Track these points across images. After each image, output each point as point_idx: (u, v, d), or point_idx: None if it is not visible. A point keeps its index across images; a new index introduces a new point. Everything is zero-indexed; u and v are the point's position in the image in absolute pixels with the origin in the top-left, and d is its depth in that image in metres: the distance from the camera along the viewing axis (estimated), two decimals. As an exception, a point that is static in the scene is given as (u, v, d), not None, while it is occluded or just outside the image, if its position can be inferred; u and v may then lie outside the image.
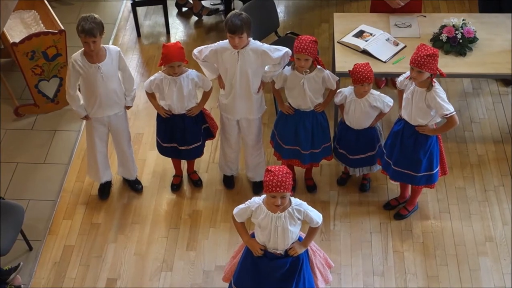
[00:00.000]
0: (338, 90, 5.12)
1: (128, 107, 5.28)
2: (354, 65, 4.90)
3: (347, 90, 5.07)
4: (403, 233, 5.31)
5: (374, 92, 5.03)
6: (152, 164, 5.88)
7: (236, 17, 4.72)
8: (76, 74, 4.91)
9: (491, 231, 5.30)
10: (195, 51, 5.04)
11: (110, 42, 7.13)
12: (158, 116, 5.24)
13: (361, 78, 4.84)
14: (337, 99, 5.14)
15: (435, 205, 5.50)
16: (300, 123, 5.12)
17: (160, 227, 5.40)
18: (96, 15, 4.77)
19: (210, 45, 5.01)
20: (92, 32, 4.70)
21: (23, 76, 6.11)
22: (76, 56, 4.89)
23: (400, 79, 4.96)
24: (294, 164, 5.39)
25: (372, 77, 4.87)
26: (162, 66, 4.97)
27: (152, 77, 5.07)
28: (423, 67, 4.51)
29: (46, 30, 6.08)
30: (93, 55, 4.86)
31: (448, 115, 4.65)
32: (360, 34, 5.76)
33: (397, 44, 5.67)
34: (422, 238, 5.27)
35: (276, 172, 3.90)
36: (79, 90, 5.09)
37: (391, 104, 5.07)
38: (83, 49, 4.88)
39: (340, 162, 5.48)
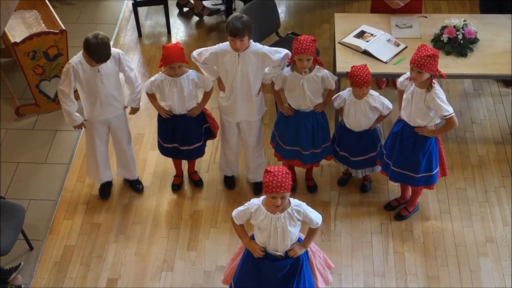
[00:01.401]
0: (336, 94, 5.12)
1: (134, 110, 5.28)
2: (352, 67, 4.89)
3: (346, 93, 5.07)
4: (404, 234, 5.32)
5: (374, 93, 5.03)
6: (153, 164, 5.88)
7: (237, 20, 4.72)
8: (75, 79, 4.91)
9: (491, 232, 5.30)
10: (194, 53, 5.03)
11: (111, 42, 7.12)
12: (159, 116, 5.24)
13: (359, 82, 4.84)
14: (336, 103, 5.14)
15: (436, 206, 5.50)
16: (300, 124, 5.12)
17: (161, 227, 5.40)
18: (103, 35, 4.77)
19: (209, 47, 5.00)
20: (105, 59, 4.80)
21: (24, 76, 6.12)
22: (75, 61, 4.89)
23: (400, 79, 4.96)
24: (295, 164, 5.40)
25: (370, 80, 4.87)
26: (162, 67, 4.97)
27: (152, 78, 5.08)
28: (423, 68, 4.51)
29: (47, 30, 6.08)
30: None
31: (447, 116, 4.65)
32: (361, 35, 5.76)
33: (398, 45, 5.67)
34: (422, 239, 5.27)
35: (276, 173, 3.90)
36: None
37: (391, 107, 5.07)
38: (81, 52, 4.88)
39: (341, 164, 5.47)
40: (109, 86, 4.99)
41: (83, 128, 5.22)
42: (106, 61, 4.82)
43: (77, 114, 5.09)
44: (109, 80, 4.98)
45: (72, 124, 5.14)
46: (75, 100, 5.05)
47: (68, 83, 4.91)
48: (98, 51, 4.71)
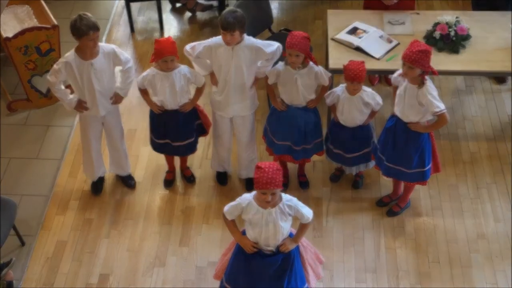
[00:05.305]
0: (330, 91, 5.12)
1: (119, 98, 5.17)
2: (349, 61, 4.91)
3: (339, 89, 5.07)
4: (396, 230, 5.33)
5: (367, 89, 5.04)
6: (145, 160, 5.88)
7: (230, 14, 4.72)
8: (67, 73, 4.89)
9: (483, 229, 5.32)
10: (187, 47, 5.02)
11: (104, 38, 7.12)
12: (151, 112, 5.24)
13: (351, 76, 4.85)
14: (329, 100, 5.14)
15: (428, 202, 5.52)
16: (293, 120, 5.12)
17: (153, 223, 5.40)
18: (86, 12, 4.76)
19: (203, 41, 5.00)
20: (96, 26, 4.71)
21: (16, 71, 6.11)
22: (68, 56, 4.87)
23: (394, 75, 4.96)
24: (286, 159, 5.40)
25: (364, 77, 4.87)
26: (154, 63, 4.96)
27: (144, 73, 5.07)
28: (414, 63, 4.51)
29: (39, 25, 6.06)
30: (88, 52, 4.84)
31: (439, 113, 4.65)
32: (353, 31, 5.76)
33: (391, 41, 5.68)
34: (414, 235, 5.29)
35: (266, 169, 3.90)
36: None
37: (381, 103, 5.09)
38: (74, 49, 4.86)
39: (335, 163, 5.47)
40: (102, 82, 4.98)
41: (77, 123, 5.20)
42: (93, 28, 4.70)
43: (71, 96, 5.06)
44: (103, 76, 4.96)
45: (69, 108, 5.11)
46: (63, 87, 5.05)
47: (57, 76, 4.91)
48: (83, 18, 4.68)
